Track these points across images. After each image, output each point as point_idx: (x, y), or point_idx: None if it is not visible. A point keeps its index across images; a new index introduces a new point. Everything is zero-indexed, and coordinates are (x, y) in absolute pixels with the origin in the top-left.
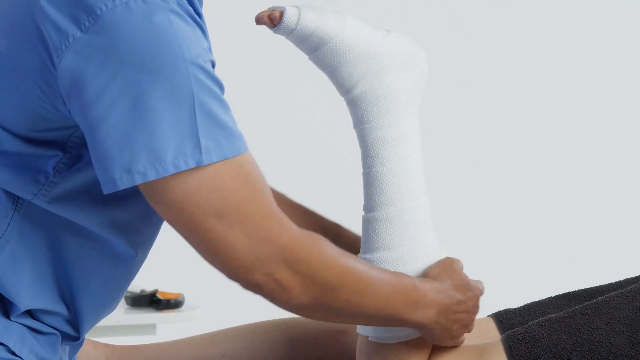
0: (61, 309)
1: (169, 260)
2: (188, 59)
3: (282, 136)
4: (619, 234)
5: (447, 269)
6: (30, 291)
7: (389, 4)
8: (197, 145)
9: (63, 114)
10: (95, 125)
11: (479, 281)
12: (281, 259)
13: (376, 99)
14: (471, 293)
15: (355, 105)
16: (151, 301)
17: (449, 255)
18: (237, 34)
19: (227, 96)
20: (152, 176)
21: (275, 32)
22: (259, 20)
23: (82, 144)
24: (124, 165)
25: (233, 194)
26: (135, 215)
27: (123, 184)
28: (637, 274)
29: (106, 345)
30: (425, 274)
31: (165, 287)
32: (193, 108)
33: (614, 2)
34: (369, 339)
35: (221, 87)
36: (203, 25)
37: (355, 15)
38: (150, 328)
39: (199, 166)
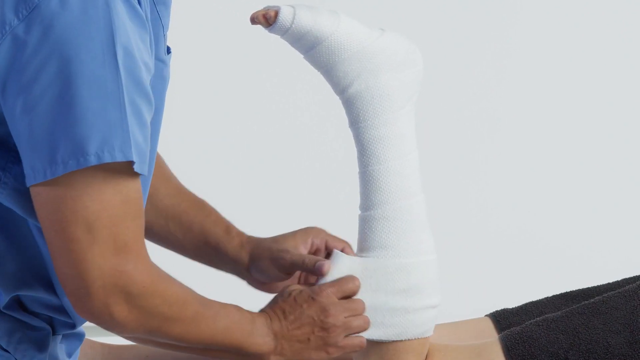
0: (50, 296)
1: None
2: (120, 55)
3: (278, 136)
4: (616, 234)
5: (277, 297)
6: (15, 280)
7: (383, 3)
8: (127, 140)
9: (0, 102)
10: (28, 112)
11: (339, 282)
12: (123, 292)
13: (372, 97)
14: (305, 305)
15: (350, 104)
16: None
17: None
18: (233, 34)
19: (224, 95)
20: (72, 166)
21: (270, 31)
22: (254, 20)
23: None
24: (49, 155)
25: (108, 210)
26: None
27: (48, 174)
28: (634, 274)
29: (103, 345)
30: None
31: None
32: (123, 102)
33: (612, 2)
34: (366, 337)
35: (149, 102)
36: (144, 19)
37: (350, 15)
38: None
39: (125, 163)
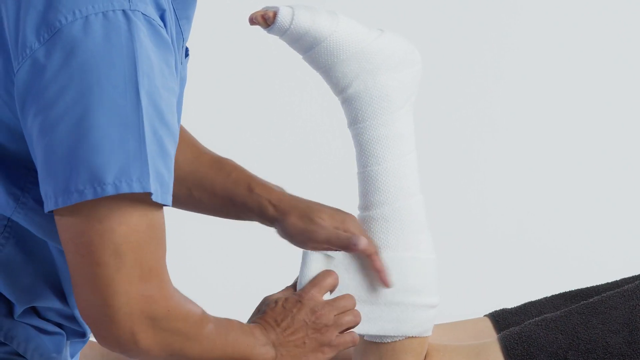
0: (63, 307)
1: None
2: (142, 84)
3: (277, 136)
4: (615, 233)
5: (258, 308)
6: (29, 293)
7: (382, 3)
8: (146, 170)
9: (21, 122)
10: (44, 136)
11: (318, 279)
12: (150, 317)
13: (370, 98)
14: (295, 310)
15: (349, 104)
16: None
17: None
18: (231, 34)
19: (223, 96)
20: (89, 195)
21: (269, 32)
22: (252, 21)
23: None
24: (65, 182)
25: (134, 233)
26: None
27: (62, 202)
28: (633, 274)
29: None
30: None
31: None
32: (143, 132)
33: (611, 2)
34: (365, 338)
35: (172, 133)
36: (173, 37)
37: (348, 15)
38: None
39: (136, 192)
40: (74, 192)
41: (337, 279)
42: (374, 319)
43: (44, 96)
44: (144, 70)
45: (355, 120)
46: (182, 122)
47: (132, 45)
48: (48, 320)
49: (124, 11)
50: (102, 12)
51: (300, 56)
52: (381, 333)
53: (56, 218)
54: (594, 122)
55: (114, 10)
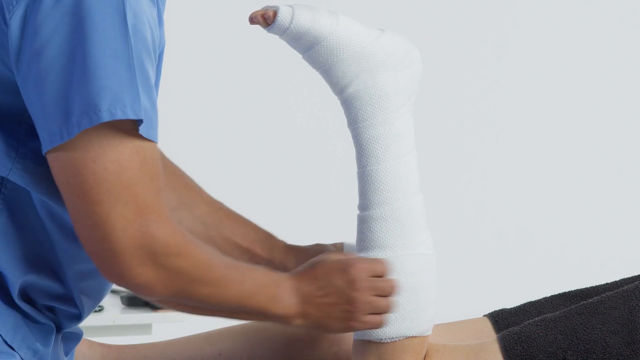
0: (56, 285)
1: None
2: (129, 17)
3: (276, 136)
4: (615, 233)
5: (311, 262)
6: (23, 266)
7: (382, 3)
8: (137, 98)
9: (14, 74)
10: (42, 77)
11: (371, 260)
12: (149, 253)
13: (370, 98)
14: (337, 275)
15: (349, 104)
16: (146, 301)
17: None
18: (231, 34)
19: (222, 96)
20: (86, 124)
21: (269, 31)
22: (252, 20)
23: None
24: (62, 117)
25: (127, 170)
26: None
27: (65, 137)
28: (633, 274)
29: (102, 345)
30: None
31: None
32: (133, 62)
33: (612, 2)
34: (364, 338)
35: (153, 64)
36: None
37: (348, 15)
38: (146, 328)
39: (127, 119)
40: (73, 125)
41: (387, 272)
42: None
43: (38, 37)
44: (130, 2)
45: (355, 120)
46: (182, 124)
47: None
48: (39, 307)
49: None
50: None
51: (300, 55)
52: (381, 333)
53: (51, 163)
54: (594, 123)
55: None
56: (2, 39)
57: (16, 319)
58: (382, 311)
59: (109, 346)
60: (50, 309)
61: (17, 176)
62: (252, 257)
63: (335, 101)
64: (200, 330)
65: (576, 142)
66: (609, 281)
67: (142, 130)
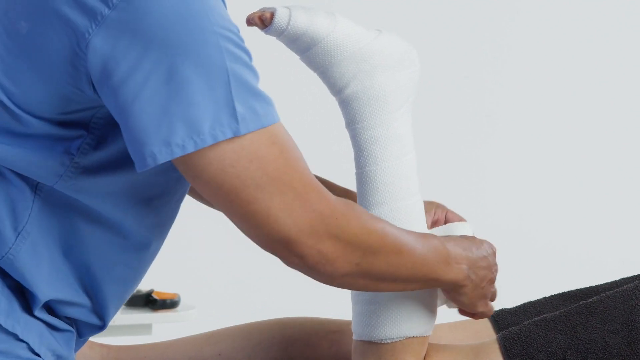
0: (83, 299)
1: (164, 260)
2: (217, 30)
3: None
4: (614, 233)
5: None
6: (50, 282)
7: (380, 4)
8: (234, 115)
9: (87, 95)
10: (129, 103)
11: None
12: (323, 229)
13: (368, 98)
14: (490, 249)
15: (347, 105)
16: (147, 301)
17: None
18: None
19: None
20: (190, 148)
21: (266, 33)
22: (249, 22)
23: (106, 124)
24: (162, 139)
25: (270, 163)
26: (154, 194)
27: (162, 157)
28: (632, 274)
29: (102, 345)
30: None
31: (161, 287)
32: (227, 78)
33: (611, 2)
34: (364, 339)
35: (249, 56)
36: None
37: (346, 16)
38: (146, 328)
39: (235, 136)
40: (174, 147)
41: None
42: (374, 325)
43: (124, 61)
44: (216, 18)
45: (353, 121)
46: None
47: None
48: (59, 317)
49: None
50: None
51: (298, 57)
52: (381, 333)
53: (191, 181)
54: (594, 123)
55: None
56: (76, 63)
57: (40, 327)
58: (495, 298)
59: (109, 346)
60: (71, 320)
61: (64, 185)
62: None
63: (333, 102)
64: (200, 330)
65: (576, 142)
66: (609, 281)
67: (275, 116)
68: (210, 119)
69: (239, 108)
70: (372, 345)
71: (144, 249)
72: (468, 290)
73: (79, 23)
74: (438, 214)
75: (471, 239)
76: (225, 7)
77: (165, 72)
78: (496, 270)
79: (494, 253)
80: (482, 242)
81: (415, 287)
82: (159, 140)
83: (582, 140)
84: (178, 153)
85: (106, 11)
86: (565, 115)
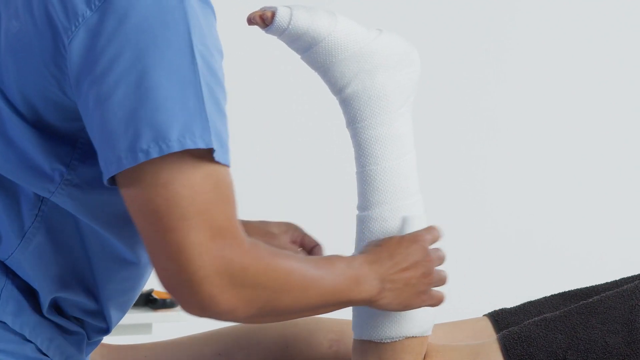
0: (88, 301)
1: None
2: (195, 41)
3: (275, 136)
4: (614, 233)
5: (372, 241)
6: (57, 283)
7: (381, 3)
8: (207, 127)
9: (72, 99)
10: (102, 102)
11: (426, 229)
12: (228, 278)
13: (369, 98)
14: (411, 247)
15: (347, 104)
16: (147, 300)
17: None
18: (230, 34)
19: None
20: (154, 153)
21: (267, 32)
22: (250, 21)
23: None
24: (128, 144)
25: (200, 195)
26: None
27: (127, 163)
28: (632, 274)
29: (102, 345)
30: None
31: (161, 287)
32: (200, 90)
33: (611, 2)
34: (364, 338)
35: (222, 77)
36: (212, 6)
37: (347, 15)
38: (146, 327)
39: (208, 148)
40: (139, 152)
41: (441, 236)
42: (374, 326)
43: (99, 62)
44: (196, 30)
45: (354, 120)
46: None
47: (183, 6)
48: (69, 318)
49: None
50: None
51: (299, 56)
52: (381, 333)
53: (121, 190)
54: (594, 123)
55: None
56: (60, 63)
57: (51, 329)
58: (444, 283)
59: (109, 346)
60: (80, 321)
61: (60, 199)
62: None
63: (334, 101)
64: (200, 330)
65: (576, 142)
66: (609, 280)
67: (216, 155)
68: (180, 126)
69: (212, 122)
70: (372, 345)
71: (133, 264)
72: (389, 300)
73: (62, 23)
74: (294, 237)
75: (391, 245)
76: (214, 19)
77: (137, 76)
78: (430, 261)
79: (423, 249)
80: (407, 242)
81: (328, 311)
82: (125, 144)
83: (582, 140)
84: (142, 158)
85: (88, 13)
86: (566, 115)
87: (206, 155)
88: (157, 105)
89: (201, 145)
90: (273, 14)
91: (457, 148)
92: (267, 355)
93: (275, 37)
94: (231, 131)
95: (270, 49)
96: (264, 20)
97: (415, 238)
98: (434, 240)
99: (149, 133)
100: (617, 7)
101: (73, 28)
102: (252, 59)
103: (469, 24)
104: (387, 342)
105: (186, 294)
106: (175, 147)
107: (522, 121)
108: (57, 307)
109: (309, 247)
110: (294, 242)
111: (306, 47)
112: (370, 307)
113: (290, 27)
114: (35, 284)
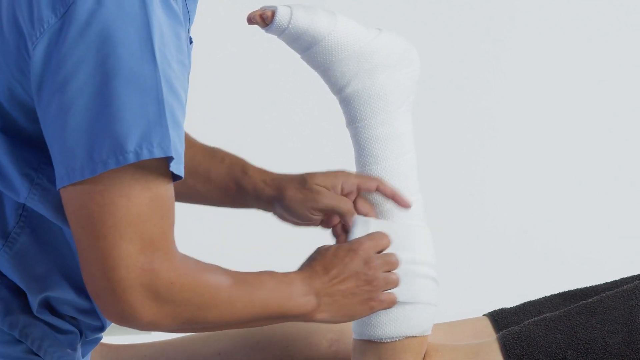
0: (80, 299)
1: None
2: (157, 54)
3: (275, 136)
4: (614, 233)
5: (310, 255)
6: (44, 283)
7: (381, 3)
8: (167, 135)
9: (35, 101)
10: (64, 111)
11: (368, 236)
12: (153, 291)
13: (369, 97)
14: (347, 258)
15: (348, 104)
16: None
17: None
18: (229, 34)
19: (221, 96)
20: (112, 164)
21: (267, 31)
22: (250, 20)
23: None
24: (87, 154)
25: (135, 206)
26: None
27: (87, 173)
28: (632, 274)
29: (102, 345)
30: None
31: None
32: (162, 99)
33: (611, 2)
34: (364, 338)
35: (181, 103)
36: (180, 10)
37: (347, 15)
38: None
39: (166, 156)
40: (99, 162)
41: (389, 243)
42: (374, 325)
43: (62, 70)
44: (157, 39)
45: (354, 120)
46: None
47: (146, 14)
48: (63, 317)
49: None
50: None
51: (299, 55)
52: (381, 333)
53: (62, 193)
54: (593, 122)
55: None
56: (24, 68)
57: (42, 328)
58: (394, 286)
59: (109, 345)
60: (74, 319)
61: (33, 204)
62: (227, 193)
63: (334, 101)
64: None
65: (576, 142)
66: (609, 281)
67: (172, 165)
68: (137, 137)
69: (172, 132)
70: (371, 345)
71: None
72: (329, 313)
73: (27, 28)
74: (347, 189)
75: (325, 258)
76: (182, 30)
77: (97, 85)
78: (372, 268)
79: (362, 257)
80: (343, 253)
81: (263, 324)
82: (83, 154)
83: (582, 140)
84: (100, 169)
85: (52, 19)
86: (565, 115)
87: (151, 166)
88: (115, 115)
89: (158, 154)
90: (273, 14)
91: (456, 147)
92: (267, 355)
93: (275, 37)
94: (231, 131)
95: (270, 48)
96: (264, 19)
97: (352, 247)
98: (378, 247)
99: (107, 143)
100: (617, 7)
101: (37, 34)
102: (252, 59)
103: (468, 24)
104: (387, 342)
105: (108, 302)
106: (132, 159)
107: (522, 121)
108: (48, 306)
109: (372, 189)
110: (348, 194)
111: (306, 46)
112: (310, 321)
113: (290, 26)
114: (21, 284)
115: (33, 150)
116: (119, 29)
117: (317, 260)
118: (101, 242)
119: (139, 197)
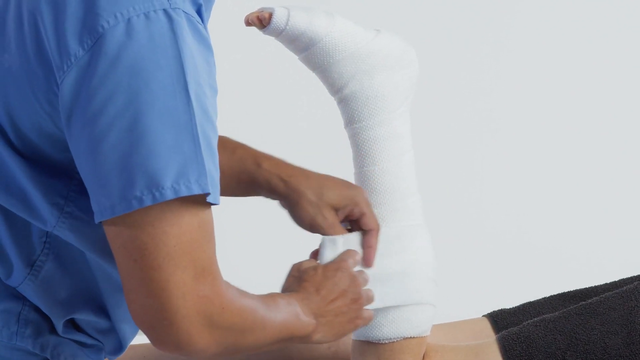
0: (99, 319)
1: None
2: (190, 85)
3: (273, 137)
4: (614, 234)
5: (293, 275)
6: (66, 308)
7: (379, 3)
8: (203, 172)
9: (65, 133)
10: (95, 145)
11: (346, 253)
12: (206, 318)
13: (367, 98)
14: (337, 276)
15: (346, 104)
16: None
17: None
18: (226, 35)
19: (220, 96)
20: (148, 201)
21: (264, 33)
22: (248, 22)
23: None
24: (121, 190)
25: (186, 234)
26: None
27: (120, 210)
28: (632, 275)
29: None
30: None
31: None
32: (197, 133)
33: (610, 2)
34: (363, 339)
35: (215, 129)
36: (209, 39)
37: (345, 16)
38: None
39: (204, 193)
40: (132, 199)
41: (359, 261)
42: (373, 326)
43: (92, 104)
44: (190, 69)
45: (352, 121)
46: None
47: (177, 45)
48: (87, 334)
49: (165, 10)
50: (144, 13)
51: (296, 57)
52: (380, 333)
53: (105, 226)
54: (593, 122)
55: (155, 11)
56: (53, 100)
57: (71, 346)
58: (372, 301)
59: None
60: (95, 339)
61: (61, 232)
62: (239, 184)
63: (332, 102)
64: None
65: (576, 142)
66: (609, 281)
67: (210, 198)
68: (174, 173)
69: (209, 166)
70: (371, 345)
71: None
72: (323, 334)
73: (55, 61)
74: (355, 214)
75: (315, 279)
76: (211, 54)
77: (130, 120)
78: (357, 285)
79: (348, 275)
80: (332, 272)
81: (278, 347)
82: (117, 191)
83: (582, 141)
84: (135, 206)
85: (80, 52)
86: (565, 115)
87: (196, 197)
88: (150, 151)
89: (197, 190)
90: (270, 15)
91: (455, 148)
92: (267, 355)
93: (272, 38)
94: (230, 132)
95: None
96: (261, 21)
97: (338, 265)
98: (355, 264)
99: (142, 180)
100: (617, 7)
101: (65, 67)
102: (249, 60)
103: (468, 24)
104: (386, 343)
105: (163, 332)
106: (169, 195)
107: (521, 121)
108: (74, 324)
109: (366, 228)
110: (349, 216)
111: (304, 47)
112: (307, 343)
113: (287, 28)
114: (45, 310)
115: (63, 179)
116: (150, 63)
117: (308, 281)
118: (156, 273)
119: (189, 224)
